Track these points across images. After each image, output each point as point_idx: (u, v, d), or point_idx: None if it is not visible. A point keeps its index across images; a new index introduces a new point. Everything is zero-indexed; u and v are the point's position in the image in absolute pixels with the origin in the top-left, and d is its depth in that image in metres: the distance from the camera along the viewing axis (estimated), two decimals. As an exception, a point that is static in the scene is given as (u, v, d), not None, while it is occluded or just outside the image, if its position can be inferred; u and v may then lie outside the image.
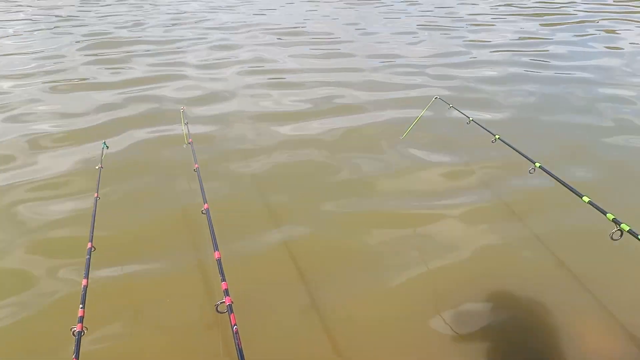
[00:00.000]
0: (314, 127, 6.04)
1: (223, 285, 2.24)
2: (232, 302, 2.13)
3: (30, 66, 8.69)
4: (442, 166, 5.00)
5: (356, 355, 2.88)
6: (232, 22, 12.62)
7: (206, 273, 3.42)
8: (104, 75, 8.20)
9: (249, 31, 11.59)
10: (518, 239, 3.86)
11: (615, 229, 2.69)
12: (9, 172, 4.91)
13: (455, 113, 5.14)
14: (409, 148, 5.34)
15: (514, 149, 3.83)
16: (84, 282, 2.33)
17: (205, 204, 2.97)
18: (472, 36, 10.68)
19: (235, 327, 1.97)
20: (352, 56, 9.32)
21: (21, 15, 13.79)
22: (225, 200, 4.37)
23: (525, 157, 3.66)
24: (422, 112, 5.35)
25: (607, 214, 2.78)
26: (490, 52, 9.43)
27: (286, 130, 5.97)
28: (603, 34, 10.66)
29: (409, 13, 13.80)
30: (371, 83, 7.74)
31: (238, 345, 1.87)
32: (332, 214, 4.22)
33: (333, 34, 11.14)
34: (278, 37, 10.93)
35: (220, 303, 2.15)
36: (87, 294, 2.25)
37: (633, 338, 2.93)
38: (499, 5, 14.62)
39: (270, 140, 5.67)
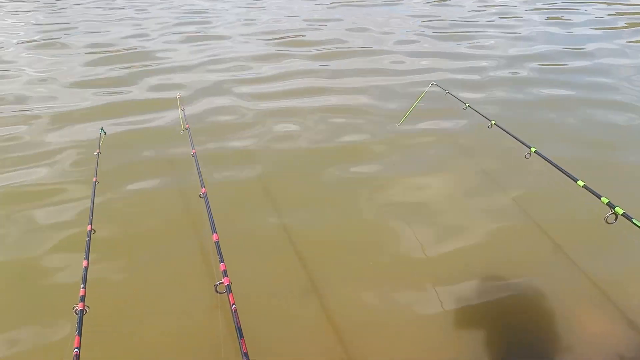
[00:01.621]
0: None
1: (221, 266, 2.28)
2: (231, 282, 2.17)
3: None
4: (440, 153, 5.05)
5: (355, 337, 2.93)
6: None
7: (206, 255, 3.46)
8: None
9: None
10: (517, 224, 3.91)
11: (610, 213, 2.73)
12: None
13: (452, 99, 5.16)
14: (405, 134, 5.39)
15: (509, 134, 3.86)
16: (84, 263, 2.36)
17: (203, 188, 3.00)
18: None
19: (234, 306, 2.02)
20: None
21: None
22: (223, 184, 4.41)
23: (521, 142, 3.69)
24: (420, 98, 5.36)
25: (602, 198, 2.82)
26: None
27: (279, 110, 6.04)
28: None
29: None
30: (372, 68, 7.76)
31: (237, 323, 1.91)
32: (332, 196, 4.27)
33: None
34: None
35: (219, 284, 2.19)
36: (87, 275, 2.28)
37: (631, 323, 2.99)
38: None
39: (267, 123, 5.73)
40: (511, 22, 10.46)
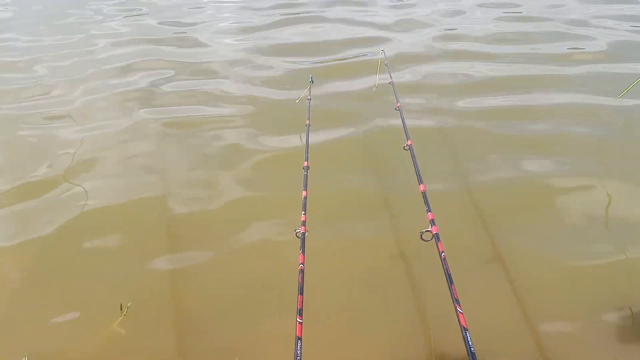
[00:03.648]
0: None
1: (429, 215, 2.35)
2: (438, 231, 2.23)
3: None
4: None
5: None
6: None
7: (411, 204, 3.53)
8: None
9: None
10: None
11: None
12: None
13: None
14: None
15: None
16: (304, 193, 2.63)
17: (409, 141, 3.08)
18: None
19: (443, 254, 2.07)
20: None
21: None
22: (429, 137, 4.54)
23: None
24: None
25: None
26: None
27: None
28: None
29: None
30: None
31: (447, 270, 1.96)
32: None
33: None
34: None
35: (426, 231, 2.26)
36: (307, 204, 2.55)
37: None
38: None
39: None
40: None
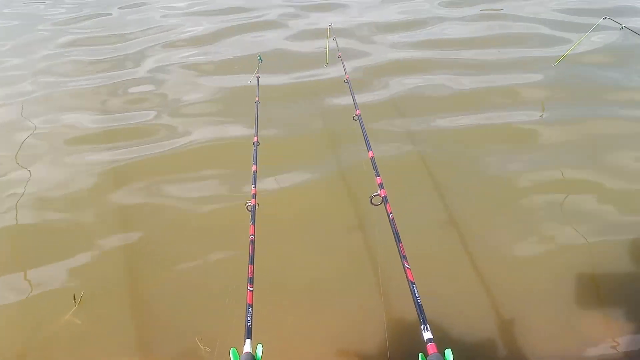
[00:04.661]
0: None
1: (377, 179, 2.38)
2: (386, 194, 2.26)
3: None
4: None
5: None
6: None
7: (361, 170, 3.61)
8: None
9: None
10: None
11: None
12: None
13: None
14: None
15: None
16: (253, 167, 2.62)
17: (357, 110, 3.10)
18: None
19: (391, 214, 2.11)
20: None
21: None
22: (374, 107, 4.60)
23: None
24: (585, 35, 4.84)
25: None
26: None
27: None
28: None
29: None
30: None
31: (395, 229, 2.00)
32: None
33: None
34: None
35: (375, 195, 2.29)
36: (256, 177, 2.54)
37: None
38: None
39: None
40: None
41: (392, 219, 2.08)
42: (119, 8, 8.14)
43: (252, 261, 1.97)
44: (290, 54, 6.02)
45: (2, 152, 4.34)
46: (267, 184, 3.67)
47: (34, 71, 5.96)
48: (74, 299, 2.79)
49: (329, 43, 4.95)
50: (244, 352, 1.46)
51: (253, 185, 2.45)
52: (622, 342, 2.60)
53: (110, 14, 7.94)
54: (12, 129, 4.70)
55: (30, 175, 3.96)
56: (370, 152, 2.63)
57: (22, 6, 8.68)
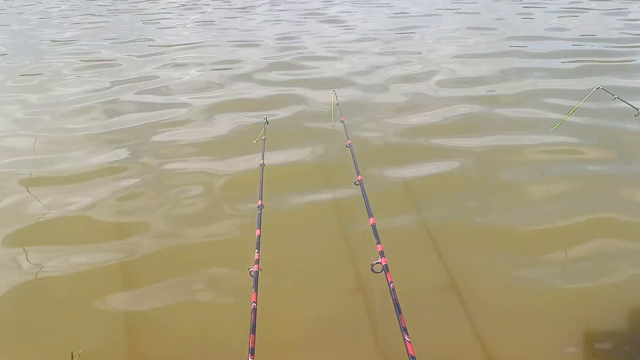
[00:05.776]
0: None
1: (378, 247, 2.42)
2: (387, 262, 2.29)
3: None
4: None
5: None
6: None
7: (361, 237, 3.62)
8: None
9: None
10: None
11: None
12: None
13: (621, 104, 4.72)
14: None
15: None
16: (257, 232, 2.66)
17: (359, 176, 3.18)
18: None
19: (392, 284, 2.13)
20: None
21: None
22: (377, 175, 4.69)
23: None
24: (580, 102, 5.00)
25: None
26: None
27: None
28: None
29: None
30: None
31: (395, 300, 2.02)
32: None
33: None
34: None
35: (376, 263, 2.32)
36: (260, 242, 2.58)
37: None
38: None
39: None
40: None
41: (393, 289, 2.10)
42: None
43: (253, 330, 1.97)
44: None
45: None
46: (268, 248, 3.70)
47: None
48: (72, 357, 2.77)
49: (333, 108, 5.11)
50: None
51: (257, 250, 2.48)
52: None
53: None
54: None
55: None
56: (371, 218, 2.69)
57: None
